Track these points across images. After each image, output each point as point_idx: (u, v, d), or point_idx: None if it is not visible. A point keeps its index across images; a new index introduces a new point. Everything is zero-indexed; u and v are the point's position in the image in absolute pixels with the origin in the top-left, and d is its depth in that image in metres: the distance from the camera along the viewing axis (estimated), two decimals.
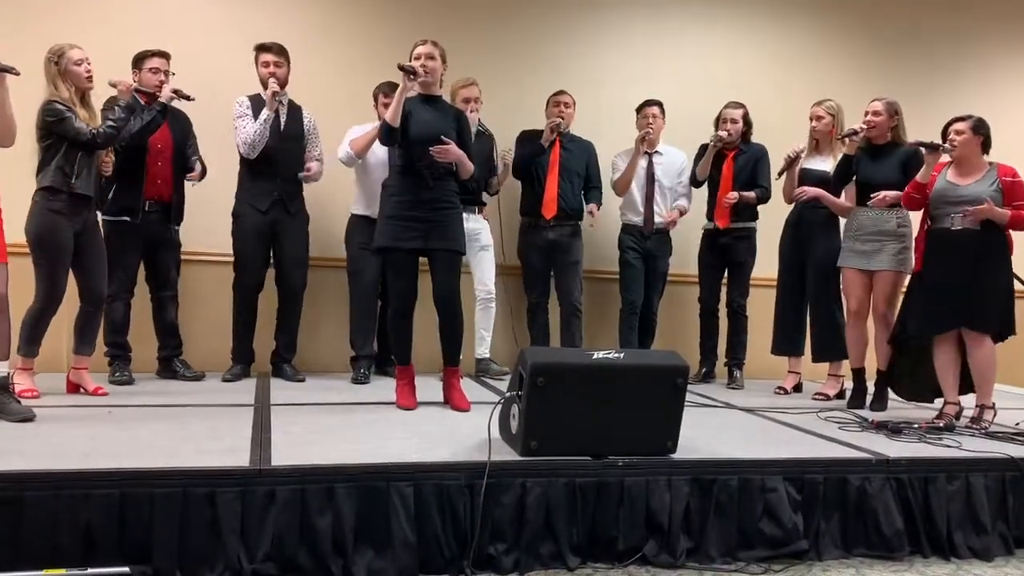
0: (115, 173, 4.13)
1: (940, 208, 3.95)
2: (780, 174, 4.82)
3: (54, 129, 3.68)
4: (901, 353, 4.23)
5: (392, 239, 3.77)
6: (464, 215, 4.76)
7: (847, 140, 4.42)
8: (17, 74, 3.27)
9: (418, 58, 3.73)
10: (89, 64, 3.80)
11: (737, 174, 4.98)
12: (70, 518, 2.45)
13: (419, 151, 3.71)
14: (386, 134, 3.73)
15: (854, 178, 4.49)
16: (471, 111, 4.61)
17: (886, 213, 4.33)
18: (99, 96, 4.00)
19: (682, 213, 5.16)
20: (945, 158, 3.98)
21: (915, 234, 4.22)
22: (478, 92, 4.75)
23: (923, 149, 3.99)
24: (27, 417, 3.23)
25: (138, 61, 4.26)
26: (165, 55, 4.24)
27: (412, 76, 3.64)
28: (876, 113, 4.39)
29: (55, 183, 3.69)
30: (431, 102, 3.84)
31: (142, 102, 4.18)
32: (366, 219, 4.66)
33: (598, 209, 4.95)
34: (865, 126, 4.36)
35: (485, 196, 4.99)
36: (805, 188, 4.69)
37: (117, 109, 3.84)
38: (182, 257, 4.59)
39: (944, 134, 3.99)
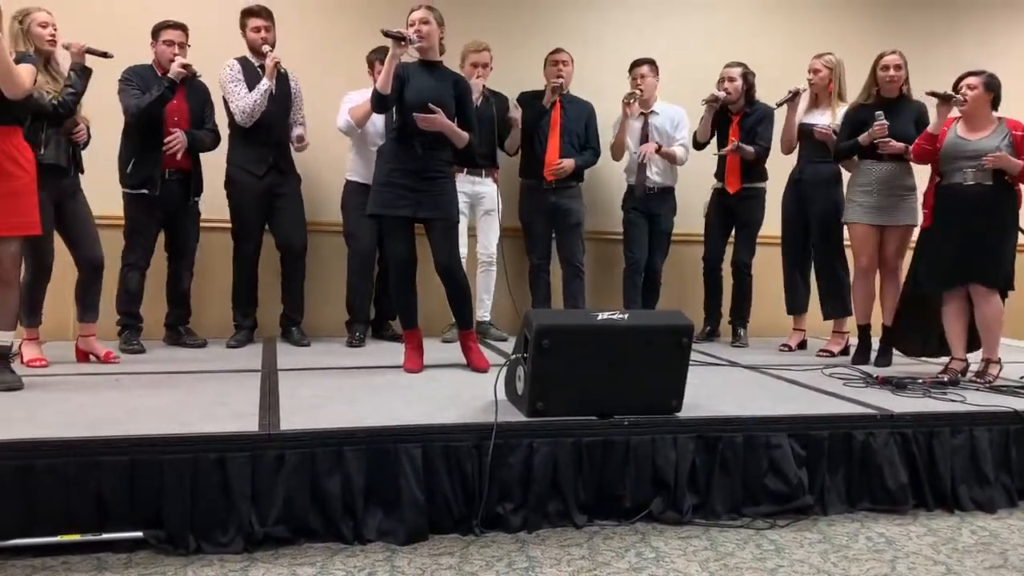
0: (132, 146, 4.15)
1: (951, 163, 3.92)
2: (779, 105, 4.73)
3: None
4: (907, 309, 4.22)
5: (382, 206, 3.76)
6: (471, 178, 4.76)
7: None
8: None
9: (412, 24, 3.66)
10: (55, 29, 3.72)
11: (744, 137, 4.89)
12: (81, 485, 2.48)
13: (413, 118, 3.66)
14: (377, 102, 3.71)
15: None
16: (477, 76, 4.57)
17: (902, 166, 4.28)
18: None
19: (664, 153, 4.90)
20: (955, 112, 3.94)
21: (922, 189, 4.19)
22: (488, 58, 4.68)
23: (936, 99, 3.94)
24: (13, 387, 3.22)
25: (155, 33, 4.24)
26: (181, 27, 4.22)
27: (401, 42, 3.58)
28: (897, 67, 4.30)
29: None
30: (430, 68, 3.78)
31: (157, 72, 4.21)
32: (363, 186, 4.62)
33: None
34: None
35: (502, 159, 4.95)
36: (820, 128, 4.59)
37: (72, 74, 3.71)
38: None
39: (955, 89, 3.95)
